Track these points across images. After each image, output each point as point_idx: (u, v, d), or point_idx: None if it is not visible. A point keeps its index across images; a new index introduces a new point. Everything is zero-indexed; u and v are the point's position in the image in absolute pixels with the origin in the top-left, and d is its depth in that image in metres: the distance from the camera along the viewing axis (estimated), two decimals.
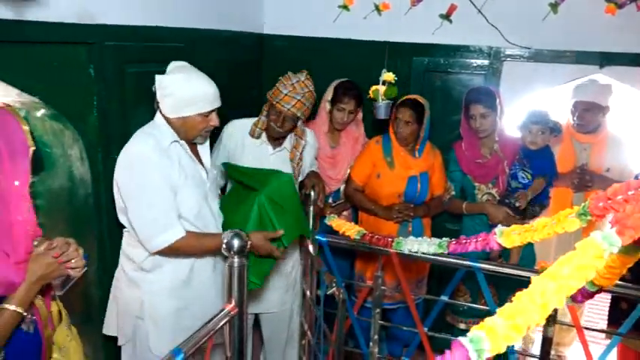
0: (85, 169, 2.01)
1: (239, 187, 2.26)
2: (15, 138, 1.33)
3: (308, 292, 2.27)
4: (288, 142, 2.42)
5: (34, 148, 1.36)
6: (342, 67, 2.92)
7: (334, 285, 1.88)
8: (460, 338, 0.84)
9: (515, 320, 0.85)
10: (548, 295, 0.86)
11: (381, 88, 2.63)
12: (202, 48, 2.49)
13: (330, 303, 2.05)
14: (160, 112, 1.92)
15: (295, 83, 2.23)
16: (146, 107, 2.03)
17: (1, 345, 1.33)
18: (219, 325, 1.69)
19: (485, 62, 2.95)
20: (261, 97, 2.48)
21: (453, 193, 2.74)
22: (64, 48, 1.81)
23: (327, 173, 2.73)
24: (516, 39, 2.85)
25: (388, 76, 2.77)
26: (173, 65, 1.95)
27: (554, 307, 0.86)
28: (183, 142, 1.94)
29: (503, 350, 0.85)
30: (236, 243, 1.75)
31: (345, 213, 2.80)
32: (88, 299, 2.16)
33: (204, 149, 2.07)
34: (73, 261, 1.40)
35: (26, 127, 1.36)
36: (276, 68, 2.57)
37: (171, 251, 1.89)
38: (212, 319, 1.70)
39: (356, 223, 2.67)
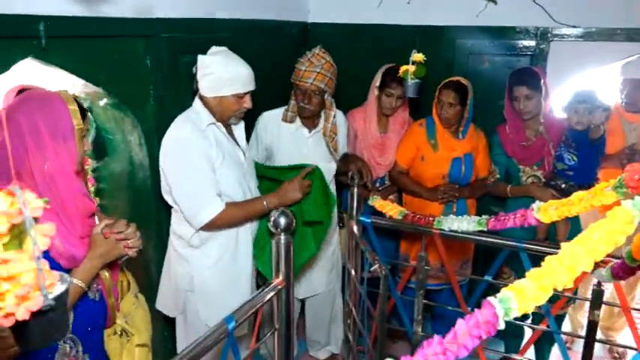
0: (144, 154, 2.17)
1: (269, 183, 2.36)
2: (60, 119, 1.38)
3: (352, 272, 2.35)
4: (322, 124, 2.48)
5: (80, 127, 1.40)
6: (387, 52, 2.95)
7: (376, 262, 1.94)
8: (489, 298, 0.90)
9: (543, 281, 0.90)
10: (577, 258, 0.90)
11: (411, 68, 2.64)
12: (248, 37, 2.60)
13: (374, 283, 2.12)
14: (199, 95, 2.04)
15: (312, 58, 2.32)
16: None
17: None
18: (268, 298, 1.80)
19: (532, 43, 2.91)
20: None
21: (498, 176, 2.73)
22: (124, 41, 1.96)
23: (376, 160, 2.79)
24: (564, 18, 2.79)
25: (417, 56, 2.75)
26: (214, 49, 2.08)
27: (582, 269, 0.90)
28: (219, 124, 2.05)
29: (530, 309, 0.90)
30: (282, 221, 1.84)
31: (391, 197, 2.84)
32: (146, 275, 2.33)
33: (239, 132, 2.18)
34: (130, 242, 1.50)
35: (72, 107, 1.39)
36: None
37: (216, 225, 2.00)
38: (261, 291, 1.81)
39: (400, 203, 2.73)
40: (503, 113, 2.71)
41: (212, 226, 2.01)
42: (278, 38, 2.98)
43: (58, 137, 1.36)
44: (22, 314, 0.56)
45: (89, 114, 1.52)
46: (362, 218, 2.40)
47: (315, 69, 2.29)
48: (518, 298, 0.89)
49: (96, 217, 1.59)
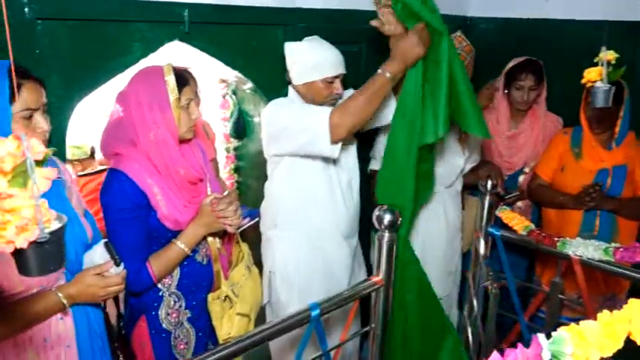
0: None
1: None
2: (156, 90, 1.49)
3: (471, 282, 2.16)
4: None
5: (176, 97, 1.48)
6: (552, 51, 2.62)
7: (490, 277, 1.75)
8: (539, 335, 0.74)
9: (616, 326, 0.70)
10: None
11: (602, 70, 2.24)
12: None
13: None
14: (291, 83, 2.04)
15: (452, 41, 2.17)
16: None
17: (169, 274, 1.62)
18: (361, 293, 1.74)
19: None
20: None
21: None
22: (263, 29, 2.08)
23: (503, 157, 2.54)
24: None
25: (611, 54, 2.34)
26: (305, 39, 2.06)
27: None
28: None
29: None
30: (388, 217, 1.77)
31: (520, 204, 2.54)
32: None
33: None
34: (229, 219, 1.59)
35: (169, 78, 1.48)
36: (479, 53, 2.46)
37: (346, 123, 1.80)
38: (357, 285, 1.77)
39: (538, 219, 2.41)
40: None
41: (341, 124, 1.80)
42: None
43: (155, 108, 1.48)
44: (21, 243, 0.65)
45: (195, 85, 1.59)
46: (491, 230, 2.19)
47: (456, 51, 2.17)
48: (575, 342, 0.71)
49: (208, 188, 1.71)
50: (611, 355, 0.70)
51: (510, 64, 2.51)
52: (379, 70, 1.79)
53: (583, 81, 2.38)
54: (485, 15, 3.03)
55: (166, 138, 1.50)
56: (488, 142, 2.56)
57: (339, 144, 1.86)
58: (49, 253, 0.70)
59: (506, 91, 2.53)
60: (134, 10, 1.67)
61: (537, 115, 2.54)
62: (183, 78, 1.54)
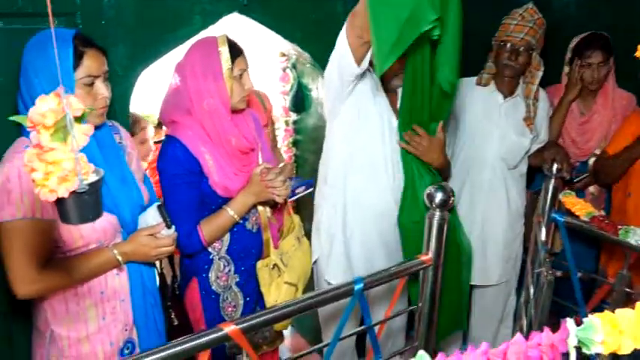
0: None
1: None
2: (209, 60, 1.53)
3: (529, 268, 2.07)
4: (520, 91, 2.21)
5: (228, 67, 1.51)
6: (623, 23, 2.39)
7: (547, 262, 1.67)
8: (568, 319, 0.70)
9: None
10: None
11: None
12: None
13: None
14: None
15: (524, 12, 2.09)
16: None
17: (218, 239, 1.68)
18: (408, 271, 1.72)
19: None
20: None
21: None
22: (323, 1, 2.06)
23: (577, 143, 2.37)
24: None
25: None
26: None
27: None
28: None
29: (625, 350, 0.66)
30: (439, 195, 1.72)
31: (592, 190, 2.37)
32: None
33: None
34: (276, 190, 1.62)
35: (222, 49, 1.52)
36: (557, 28, 2.32)
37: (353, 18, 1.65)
38: (403, 262, 1.75)
39: (608, 205, 2.24)
40: None
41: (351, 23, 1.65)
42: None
43: (209, 77, 1.52)
44: (62, 192, 0.70)
45: (244, 55, 1.60)
46: (554, 215, 2.07)
47: (527, 23, 2.07)
48: (607, 330, 0.66)
49: (260, 157, 1.75)
50: None
51: (575, 41, 2.33)
52: None
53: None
54: None
55: (218, 107, 1.54)
56: (559, 127, 2.40)
57: (366, 56, 1.68)
58: (87, 204, 0.75)
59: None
60: None
61: (608, 92, 2.35)
62: (237, 49, 1.57)
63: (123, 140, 1.51)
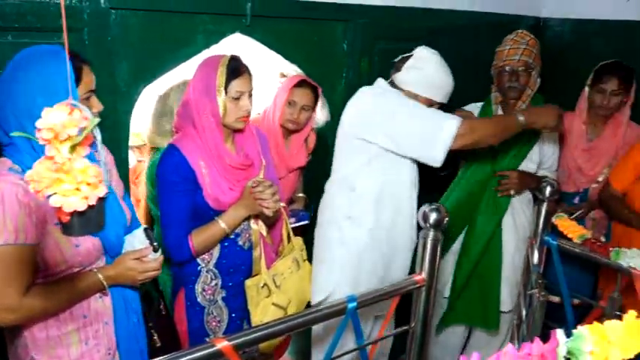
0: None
1: None
2: (209, 78, 1.57)
3: (522, 290, 2.08)
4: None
5: (220, 87, 1.55)
6: (633, 55, 2.46)
7: (538, 283, 1.68)
8: (558, 330, 0.72)
9: None
10: None
11: None
12: (461, 31, 2.49)
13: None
14: (392, 82, 1.98)
15: (515, 37, 2.16)
16: None
17: (208, 250, 1.69)
18: (401, 291, 1.72)
19: None
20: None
21: None
22: (324, 24, 2.11)
23: (582, 170, 2.40)
24: None
25: None
26: (427, 49, 1.98)
27: None
28: None
29: None
30: (434, 216, 1.74)
31: (592, 215, 2.39)
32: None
33: None
34: (265, 202, 1.62)
35: (221, 69, 1.56)
36: (552, 57, 2.36)
37: (472, 131, 1.80)
38: (398, 283, 1.75)
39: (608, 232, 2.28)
40: None
41: (465, 135, 1.78)
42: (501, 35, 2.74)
43: (204, 94, 1.58)
44: (92, 199, 0.72)
45: (247, 78, 1.63)
46: (547, 238, 2.09)
47: (520, 45, 2.13)
48: (595, 340, 0.68)
49: (262, 175, 1.76)
50: (633, 356, 0.67)
51: (598, 66, 2.37)
52: (514, 113, 1.93)
53: None
54: (558, 16, 2.90)
55: (210, 124, 1.59)
56: (564, 152, 2.44)
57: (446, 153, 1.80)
58: (92, 214, 0.75)
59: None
60: (199, 2, 1.77)
61: (619, 123, 2.36)
62: (239, 70, 1.60)
63: (102, 157, 1.49)
